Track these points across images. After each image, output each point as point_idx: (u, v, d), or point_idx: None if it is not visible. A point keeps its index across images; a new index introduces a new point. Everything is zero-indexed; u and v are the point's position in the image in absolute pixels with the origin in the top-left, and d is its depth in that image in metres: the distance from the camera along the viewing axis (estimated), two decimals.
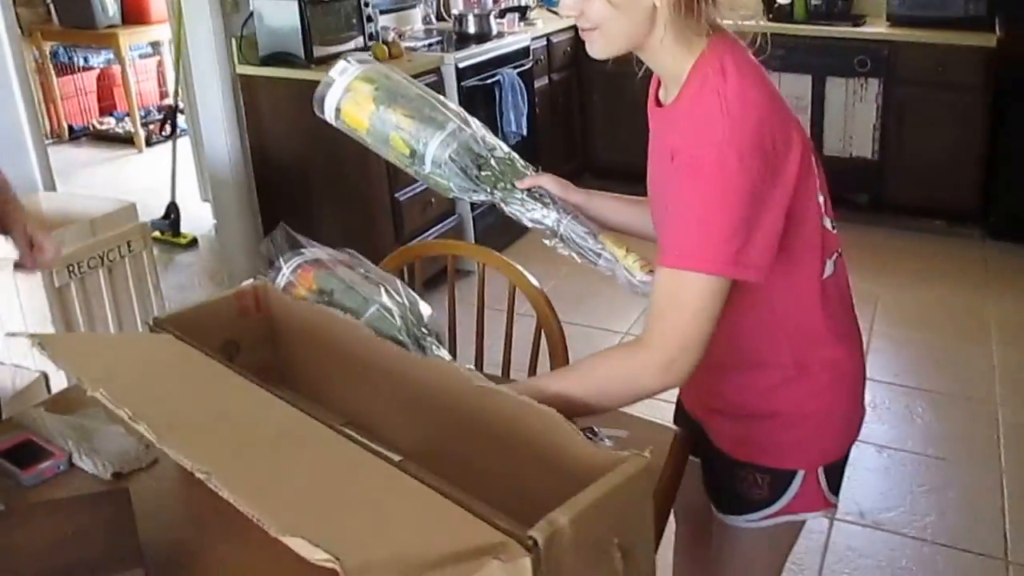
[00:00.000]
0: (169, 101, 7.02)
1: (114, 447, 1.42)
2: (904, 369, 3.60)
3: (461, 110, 1.52)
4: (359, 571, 0.81)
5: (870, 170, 4.84)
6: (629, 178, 5.42)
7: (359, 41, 3.93)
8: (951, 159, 4.69)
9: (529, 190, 1.49)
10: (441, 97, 1.54)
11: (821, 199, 1.38)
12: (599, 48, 1.31)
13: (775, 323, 1.42)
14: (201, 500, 1.25)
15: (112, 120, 6.90)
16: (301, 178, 3.95)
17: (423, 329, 1.46)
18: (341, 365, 1.46)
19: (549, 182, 1.51)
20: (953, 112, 4.62)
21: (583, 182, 5.87)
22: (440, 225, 4.10)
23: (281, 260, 1.58)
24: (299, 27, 3.65)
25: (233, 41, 3.81)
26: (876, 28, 4.79)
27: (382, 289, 1.48)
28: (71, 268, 2.59)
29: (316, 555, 0.83)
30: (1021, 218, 4.67)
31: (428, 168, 1.47)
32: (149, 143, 6.58)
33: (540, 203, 1.48)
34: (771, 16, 4.95)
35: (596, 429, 1.41)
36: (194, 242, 4.78)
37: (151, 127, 6.66)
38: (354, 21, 3.91)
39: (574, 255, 1.47)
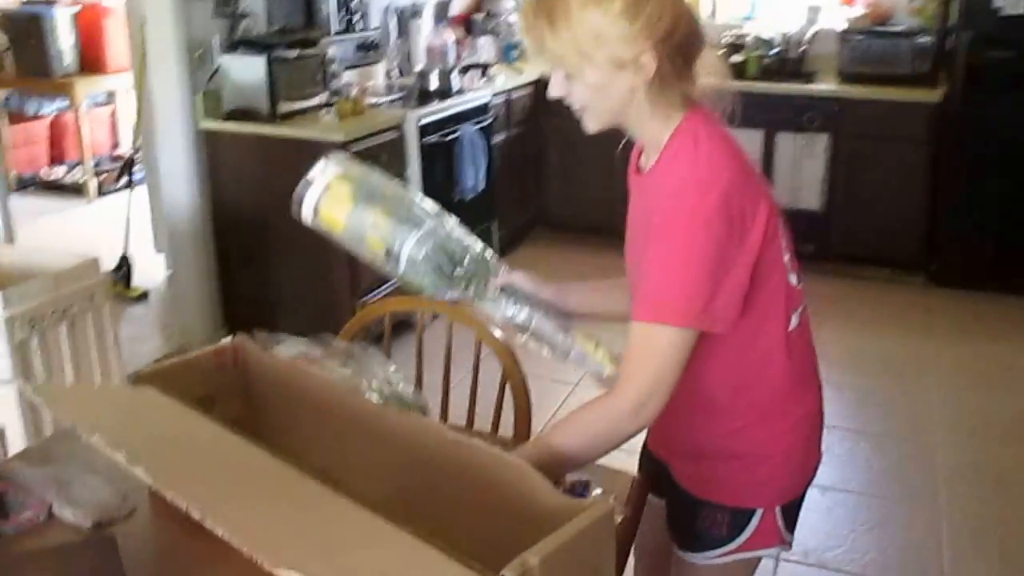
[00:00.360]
0: (121, 151, 7.06)
1: (93, 497, 1.46)
2: (848, 413, 3.72)
3: (437, 207, 1.57)
4: None
5: (817, 221, 5.00)
6: (580, 230, 5.59)
7: (323, 97, 4.01)
8: (896, 210, 4.88)
9: (502, 288, 1.57)
10: (419, 195, 1.59)
11: (787, 257, 1.50)
12: (589, 125, 1.44)
13: (741, 371, 1.52)
14: (179, 550, 1.31)
15: (62, 169, 6.82)
16: (260, 230, 3.98)
17: (406, 408, 1.53)
18: (315, 419, 1.52)
19: (522, 279, 1.59)
20: (898, 164, 4.83)
21: (536, 234, 5.99)
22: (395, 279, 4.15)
23: None
24: (265, 83, 3.72)
25: (198, 96, 3.86)
26: (826, 85, 4.99)
27: (363, 380, 1.55)
28: (33, 322, 2.60)
29: None
30: (962, 266, 4.87)
31: (403, 267, 1.51)
32: (101, 193, 6.53)
33: (513, 300, 1.56)
34: None
35: (588, 481, 1.49)
36: (145, 295, 4.78)
37: (102, 177, 6.63)
38: (318, 77, 3.99)
39: (545, 350, 1.55)
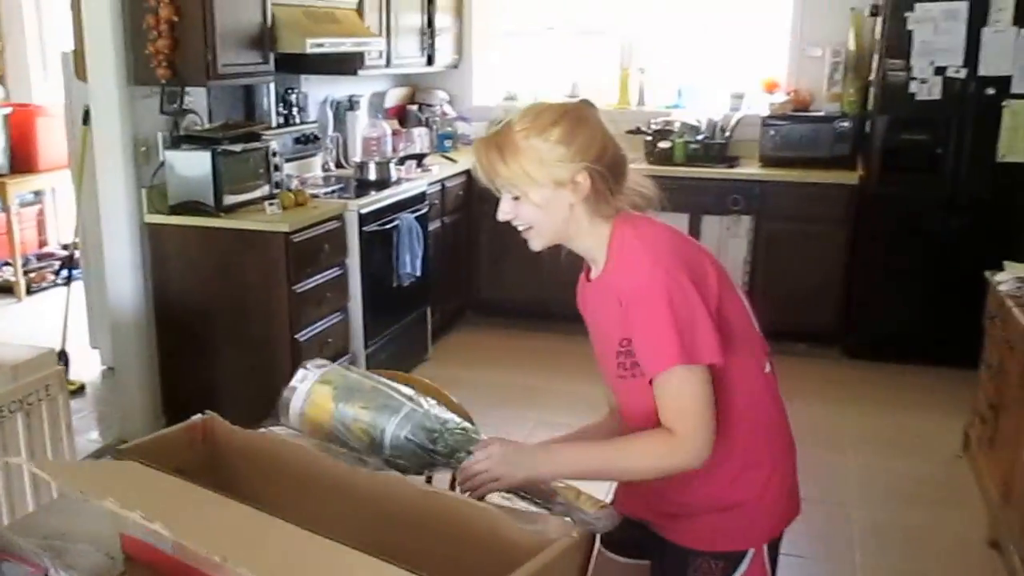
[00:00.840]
0: (49, 249, 7.09)
1: (87, 562, 1.56)
2: None
3: (413, 391, 1.72)
4: None
5: None
6: (509, 314, 5.78)
7: (266, 189, 4.14)
8: (814, 287, 5.15)
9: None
10: (392, 383, 1.75)
11: (747, 304, 1.73)
12: (535, 243, 1.68)
13: (733, 417, 1.67)
14: None
15: None
16: (203, 321, 4.07)
17: None
18: (286, 483, 1.64)
19: (500, 444, 1.70)
20: (817, 244, 5.11)
21: (467, 319, 6.19)
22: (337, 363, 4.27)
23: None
24: (210, 177, 3.84)
25: (143, 192, 3.97)
26: (749, 169, 5.29)
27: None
28: None
29: None
30: (875, 339, 5.15)
31: (388, 451, 1.64)
32: (29, 291, 6.53)
33: None
34: (652, 159, 5.40)
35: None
36: (82, 388, 4.79)
37: (31, 275, 6.64)
38: (261, 171, 4.13)
39: (529, 505, 1.66)
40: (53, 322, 4.83)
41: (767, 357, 1.76)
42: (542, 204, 1.61)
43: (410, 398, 1.70)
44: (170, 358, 4.18)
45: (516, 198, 1.63)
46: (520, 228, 1.67)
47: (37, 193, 7.12)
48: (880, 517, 3.61)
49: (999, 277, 3.71)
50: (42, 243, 7.23)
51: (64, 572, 1.53)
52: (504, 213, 1.66)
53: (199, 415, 1.83)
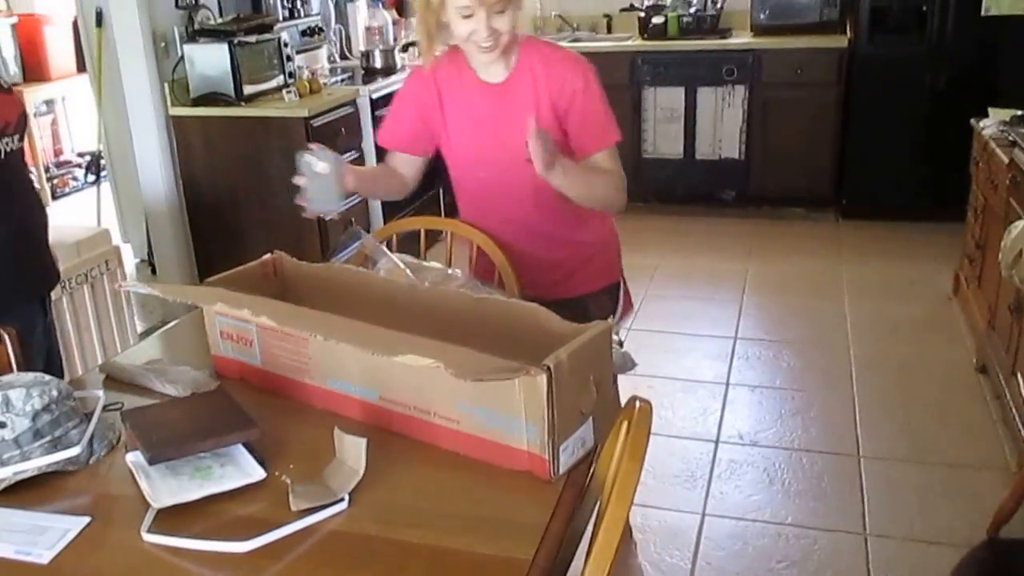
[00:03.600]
0: (65, 157, 7.28)
1: (187, 377, 1.81)
2: (772, 327, 4.20)
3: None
4: (456, 367, 1.28)
5: (738, 168, 5.44)
6: None
7: (280, 79, 4.34)
8: (808, 152, 5.33)
9: None
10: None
11: None
12: (498, 52, 2.01)
13: None
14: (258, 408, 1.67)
15: None
16: (231, 205, 4.31)
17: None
18: (351, 301, 1.82)
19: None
20: (810, 109, 5.27)
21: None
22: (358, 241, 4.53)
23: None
24: (229, 68, 4.04)
25: (166, 85, 4.16)
26: (741, 39, 5.40)
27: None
28: (63, 284, 2.93)
29: (423, 363, 1.28)
30: (868, 199, 5.36)
31: None
32: (55, 197, 6.75)
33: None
34: (646, 35, 5.52)
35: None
36: None
37: (54, 182, 6.85)
38: (275, 61, 4.32)
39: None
40: (83, 223, 5.05)
41: None
42: (519, 18, 1.98)
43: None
44: (203, 243, 4.43)
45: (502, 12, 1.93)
46: (490, 44, 1.97)
47: (49, 103, 7.25)
48: (875, 352, 3.88)
49: (984, 123, 3.90)
50: (58, 152, 7.40)
51: (169, 386, 1.78)
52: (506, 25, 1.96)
53: (268, 254, 2.08)
